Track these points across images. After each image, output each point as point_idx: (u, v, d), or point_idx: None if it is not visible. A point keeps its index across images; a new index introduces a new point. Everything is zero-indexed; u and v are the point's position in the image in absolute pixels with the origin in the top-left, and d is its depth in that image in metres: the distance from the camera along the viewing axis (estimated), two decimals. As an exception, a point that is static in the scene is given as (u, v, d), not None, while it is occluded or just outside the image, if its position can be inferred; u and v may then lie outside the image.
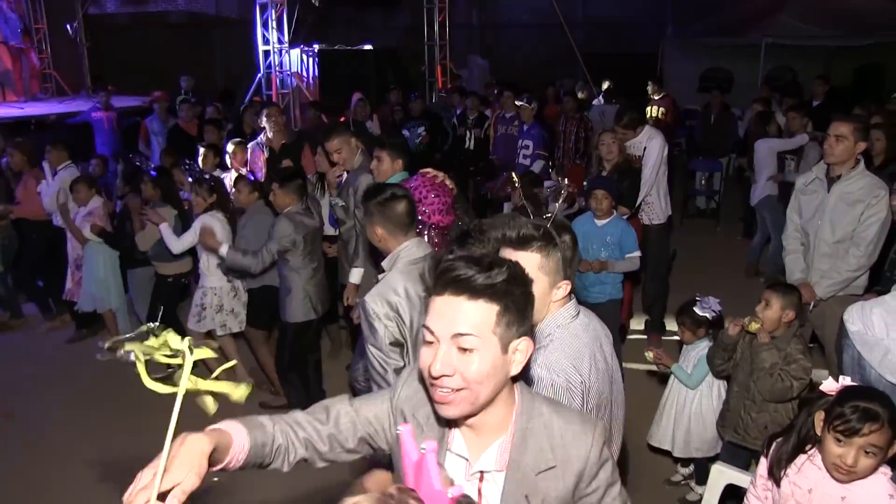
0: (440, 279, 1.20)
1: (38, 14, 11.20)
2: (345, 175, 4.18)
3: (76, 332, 5.39)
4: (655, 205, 4.76)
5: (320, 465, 1.39)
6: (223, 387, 1.17)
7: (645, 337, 4.98)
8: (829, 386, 1.87)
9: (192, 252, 4.49)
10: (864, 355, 2.44)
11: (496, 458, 1.27)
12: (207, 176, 4.57)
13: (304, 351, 4.04)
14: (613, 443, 1.78)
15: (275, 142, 5.39)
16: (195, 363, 1.08)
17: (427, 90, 11.62)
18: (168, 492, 1.02)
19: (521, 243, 1.67)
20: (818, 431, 1.85)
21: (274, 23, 9.43)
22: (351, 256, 3.98)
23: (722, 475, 2.38)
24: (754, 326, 2.73)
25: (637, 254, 3.95)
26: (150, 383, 1.07)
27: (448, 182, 3.40)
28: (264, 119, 5.42)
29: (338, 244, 4.32)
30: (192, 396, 1.13)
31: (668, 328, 4.89)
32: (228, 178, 5.08)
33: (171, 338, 1.08)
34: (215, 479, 1.18)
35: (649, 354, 3.19)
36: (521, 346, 1.22)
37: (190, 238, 4.26)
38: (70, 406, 4.38)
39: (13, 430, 4.16)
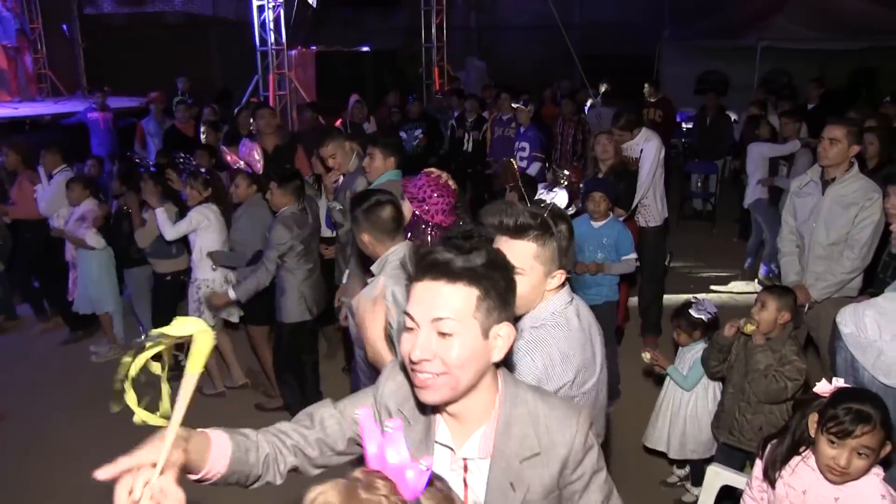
0: (420, 264, 1.20)
1: (33, 14, 11.16)
2: (341, 179, 4.19)
3: (71, 334, 5.38)
4: (652, 207, 4.77)
5: (313, 472, 1.37)
6: (196, 352, 1.07)
7: (641, 338, 4.99)
8: (823, 388, 1.88)
9: (187, 250, 4.50)
10: (857, 357, 2.45)
11: (479, 445, 1.26)
12: (204, 171, 4.57)
13: (299, 351, 4.05)
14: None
15: (267, 143, 5.38)
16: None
17: (424, 92, 11.62)
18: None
19: (518, 232, 1.67)
20: (812, 433, 1.86)
21: (271, 24, 9.42)
22: (348, 259, 3.99)
23: (717, 476, 2.39)
24: (750, 328, 2.74)
25: (633, 256, 3.97)
26: (141, 414, 1.06)
27: (451, 182, 3.41)
28: (257, 120, 5.43)
29: (335, 246, 4.33)
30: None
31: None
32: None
33: (175, 328, 1.07)
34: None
35: (646, 356, 3.20)
36: (503, 331, 1.22)
37: (185, 226, 4.28)
38: (65, 408, 4.37)
39: (7, 431, 4.14)
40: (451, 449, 1.28)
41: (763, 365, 2.71)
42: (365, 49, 11.85)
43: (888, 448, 1.80)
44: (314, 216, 4.12)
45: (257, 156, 5.32)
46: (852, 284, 3.42)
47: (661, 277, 5.07)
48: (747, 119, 6.89)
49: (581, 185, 4.39)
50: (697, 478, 3.14)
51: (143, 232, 4.55)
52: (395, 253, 2.46)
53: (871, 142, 4.32)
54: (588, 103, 8.69)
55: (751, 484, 2.07)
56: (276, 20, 9.47)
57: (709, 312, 3.20)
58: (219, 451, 1.19)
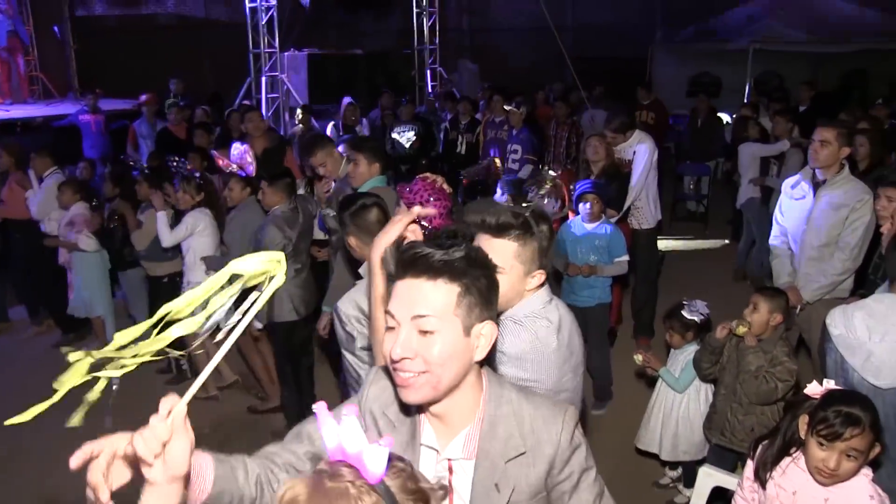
0: (400, 262, 1.19)
1: (24, 16, 11.11)
2: (333, 185, 4.18)
3: (63, 337, 5.35)
4: (645, 209, 4.78)
5: None
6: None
7: (634, 340, 5.00)
8: (814, 389, 1.89)
9: (180, 253, 4.48)
10: (847, 359, 2.46)
11: (464, 445, 1.25)
12: (198, 175, 4.56)
13: (295, 351, 4.05)
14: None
15: (256, 146, 5.38)
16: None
17: (417, 94, 11.62)
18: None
19: (499, 230, 1.68)
20: (802, 435, 1.87)
21: (264, 26, 9.41)
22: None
23: (709, 478, 2.39)
24: (742, 330, 2.75)
25: (626, 258, 3.98)
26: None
27: (446, 186, 3.41)
28: (245, 123, 5.42)
29: (328, 249, 4.32)
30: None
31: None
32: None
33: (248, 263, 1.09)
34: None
35: (638, 358, 3.21)
36: (485, 330, 1.21)
37: (182, 232, 4.26)
38: (60, 411, 4.33)
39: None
40: (437, 451, 1.27)
41: (754, 366, 2.72)
42: (358, 51, 11.86)
43: (877, 449, 1.81)
44: (306, 215, 4.11)
45: (250, 158, 5.30)
46: (844, 286, 3.43)
47: (654, 279, 5.08)
48: (737, 119, 6.93)
49: (572, 187, 4.40)
50: (689, 479, 3.15)
51: (141, 234, 4.53)
52: None
53: (861, 144, 4.35)
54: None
55: (742, 485, 2.07)
56: (269, 22, 9.46)
57: (701, 314, 3.21)
58: (198, 470, 1.10)
